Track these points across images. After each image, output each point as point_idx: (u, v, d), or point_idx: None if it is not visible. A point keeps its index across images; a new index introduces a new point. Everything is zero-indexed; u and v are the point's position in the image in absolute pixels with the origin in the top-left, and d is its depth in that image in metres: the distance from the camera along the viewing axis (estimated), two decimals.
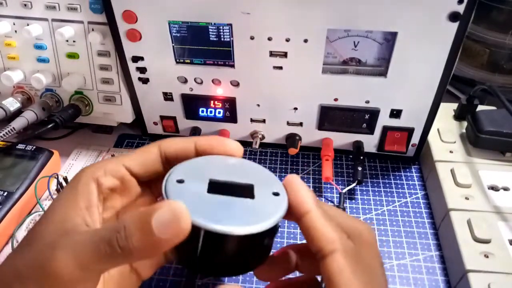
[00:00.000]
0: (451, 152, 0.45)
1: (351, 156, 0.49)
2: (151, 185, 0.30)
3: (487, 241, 0.35)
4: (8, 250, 0.39)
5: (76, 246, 0.22)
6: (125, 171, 0.27)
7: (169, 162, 0.28)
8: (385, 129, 0.46)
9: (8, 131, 0.42)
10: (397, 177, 0.48)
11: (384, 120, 0.45)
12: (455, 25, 0.37)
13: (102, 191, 0.26)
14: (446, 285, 0.37)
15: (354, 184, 0.45)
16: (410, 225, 0.43)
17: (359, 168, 0.45)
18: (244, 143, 0.49)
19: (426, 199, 0.45)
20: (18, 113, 0.46)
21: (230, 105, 0.47)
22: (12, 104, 0.46)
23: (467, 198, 0.39)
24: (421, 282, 0.38)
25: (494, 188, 0.41)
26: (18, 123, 0.43)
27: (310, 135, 0.48)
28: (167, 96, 0.48)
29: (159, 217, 0.20)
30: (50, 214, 0.24)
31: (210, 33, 0.42)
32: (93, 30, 0.44)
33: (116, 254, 0.21)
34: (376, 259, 0.25)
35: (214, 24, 0.41)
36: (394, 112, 0.45)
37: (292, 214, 0.25)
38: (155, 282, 0.37)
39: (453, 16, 0.37)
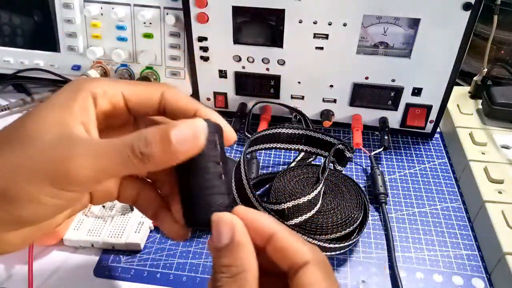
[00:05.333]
0: (469, 120, 0.55)
1: (377, 132, 0.57)
2: (137, 123, 0.29)
3: (500, 181, 0.45)
4: None
5: (96, 148, 0.22)
6: (122, 100, 0.26)
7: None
8: (408, 106, 0.54)
9: None
10: (417, 149, 0.56)
11: (407, 97, 0.54)
12: (467, 14, 0.46)
13: (96, 111, 0.25)
14: (467, 222, 0.44)
15: (381, 149, 0.52)
16: (434, 183, 0.50)
17: (385, 137, 0.53)
18: (283, 119, 0.58)
19: (442, 166, 0.53)
20: None
21: (275, 82, 0.56)
22: (94, 74, 0.56)
23: (483, 153, 0.49)
24: (439, 224, 0.45)
25: (505, 147, 0.50)
26: None
27: (342, 111, 0.57)
28: (222, 74, 0.57)
29: (178, 130, 0.22)
30: (44, 116, 0.23)
31: (266, 16, 0.51)
32: (167, 14, 0.53)
33: (137, 160, 0.22)
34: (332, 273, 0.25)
35: (270, 9, 0.50)
36: (416, 90, 0.53)
37: (256, 243, 0.23)
38: None
39: (466, 6, 0.46)
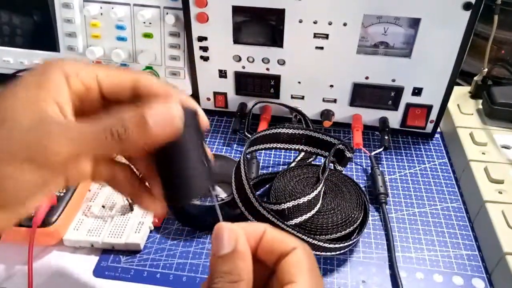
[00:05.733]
0: (469, 120, 0.55)
1: (377, 132, 0.57)
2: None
3: (500, 181, 0.45)
4: None
5: (73, 130, 0.23)
6: (95, 82, 0.26)
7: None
8: (408, 106, 0.54)
9: None
10: (417, 149, 0.56)
11: (407, 97, 0.53)
12: (467, 13, 0.46)
13: (70, 92, 0.25)
14: (467, 222, 0.44)
15: (381, 149, 0.52)
16: (434, 183, 0.50)
17: (386, 137, 0.53)
18: (283, 119, 0.58)
19: (443, 166, 0.53)
20: None
21: (275, 82, 0.56)
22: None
23: (483, 153, 0.48)
24: (439, 224, 0.45)
25: (506, 147, 0.50)
26: None
27: (342, 111, 0.57)
28: (222, 74, 0.57)
29: (155, 113, 0.23)
30: (18, 95, 0.23)
31: (266, 16, 0.51)
32: (167, 14, 0.53)
33: (114, 142, 0.22)
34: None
35: (270, 8, 0.50)
36: (416, 90, 0.53)
37: (249, 243, 0.24)
38: None
39: (467, 5, 0.45)
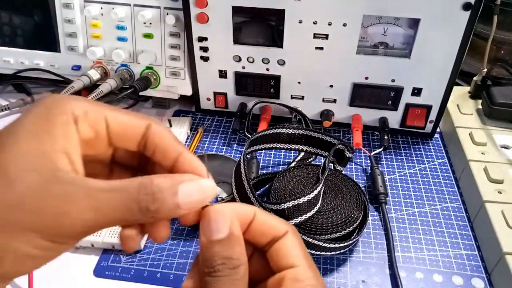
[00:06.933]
0: (469, 121, 0.55)
1: (377, 132, 0.57)
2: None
3: (500, 181, 0.45)
4: None
5: (95, 197, 0.19)
6: (104, 126, 0.22)
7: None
8: (407, 106, 0.54)
9: (98, 92, 0.51)
10: (417, 149, 0.56)
11: (406, 97, 0.54)
12: (467, 14, 0.46)
13: (78, 137, 0.21)
14: (467, 222, 0.44)
15: (380, 149, 0.52)
16: (434, 183, 0.50)
17: (385, 137, 0.53)
18: (283, 119, 0.58)
19: (442, 166, 0.53)
20: (96, 84, 0.55)
21: (275, 82, 0.56)
22: (94, 74, 0.56)
23: (483, 153, 0.49)
24: (439, 224, 0.45)
25: (505, 147, 0.50)
26: (105, 87, 0.53)
27: (342, 111, 0.57)
28: (222, 74, 0.57)
29: (187, 192, 0.21)
30: (20, 148, 0.19)
31: (266, 16, 0.51)
32: (167, 14, 0.53)
33: (141, 215, 0.20)
34: None
35: (270, 9, 0.50)
36: (416, 90, 0.53)
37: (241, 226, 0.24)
38: None
39: (466, 6, 0.46)
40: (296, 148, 0.47)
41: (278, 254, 0.24)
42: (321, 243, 0.38)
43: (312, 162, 0.51)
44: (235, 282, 0.22)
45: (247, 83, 0.57)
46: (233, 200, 0.41)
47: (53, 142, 0.19)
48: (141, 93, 0.57)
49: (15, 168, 0.18)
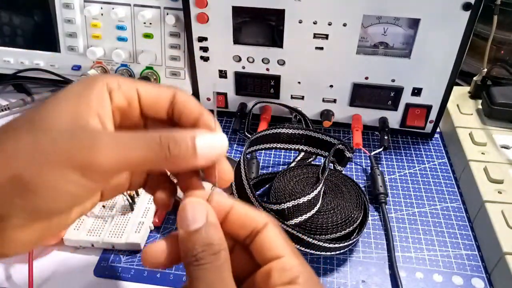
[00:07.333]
0: (469, 121, 0.55)
1: (377, 132, 0.57)
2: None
3: (500, 181, 0.45)
4: None
5: (121, 139, 0.22)
6: (136, 97, 0.26)
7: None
8: (407, 106, 0.54)
9: None
10: (417, 149, 0.56)
11: (406, 97, 0.54)
12: (467, 14, 0.46)
13: (112, 105, 0.25)
14: (467, 222, 0.44)
15: (380, 149, 0.52)
16: (434, 183, 0.50)
17: (385, 137, 0.53)
18: (283, 119, 0.58)
19: (442, 166, 0.53)
20: None
21: (275, 82, 0.56)
22: (94, 74, 0.56)
23: (483, 153, 0.49)
24: (439, 224, 0.45)
25: (505, 147, 0.50)
26: None
27: (342, 111, 0.57)
28: (222, 74, 0.57)
29: (203, 137, 0.23)
30: (59, 106, 0.23)
31: (266, 16, 0.51)
32: (167, 14, 0.53)
33: (162, 155, 0.22)
34: None
35: (270, 9, 0.50)
36: (416, 90, 0.53)
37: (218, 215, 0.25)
38: None
39: (466, 6, 0.46)
40: (296, 148, 0.48)
41: (262, 246, 0.24)
42: (321, 243, 0.38)
43: (312, 162, 0.51)
44: (219, 268, 0.22)
45: (247, 83, 0.57)
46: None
47: (87, 106, 0.23)
48: None
49: (52, 119, 0.22)
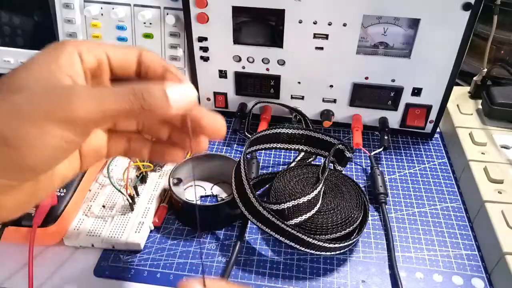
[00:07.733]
0: (469, 121, 0.55)
1: (377, 132, 0.57)
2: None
3: (500, 181, 0.45)
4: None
5: (97, 91, 0.23)
6: (106, 58, 0.27)
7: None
8: (407, 106, 0.54)
9: None
10: (417, 149, 0.56)
11: (406, 97, 0.54)
12: (467, 14, 0.46)
13: (83, 66, 0.26)
14: (467, 222, 0.44)
15: (380, 149, 0.52)
16: (434, 183, 0.50)
17: (385, 137, 0.53)
18: (283, 119, 0.58)
19: (442, 166, 0.53)
20: None
21: (275, 82, 0.56)
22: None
23: (483, 153, 0.49)
24: (439, 224, 0.45)
25: (505, 147, 0.50)
26: None
27: (342, 111, 0.57)
28: (222, 74, 0.57)
29: (173, 88, 0.25)
30: (31, 69, 0.24)
31: (266, 16, 0.51)
32: (167, 14, 0.53)
33: (137, 105, 0.23)
34: None
35: (270, 9, 0.50)
36: (416, 90, 0.53)
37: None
38: None
39: (466, 6, 0.46)
40: (296, 148, 0.48)
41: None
42: (321, 243, 0.38)
43: (312, 162, 0.51)
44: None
45: (247, 83, 0.57)
46: (233, 200, 0.41)
47: (58, 67, 0.24)
48: None
49: (26, 83, 0.23)
